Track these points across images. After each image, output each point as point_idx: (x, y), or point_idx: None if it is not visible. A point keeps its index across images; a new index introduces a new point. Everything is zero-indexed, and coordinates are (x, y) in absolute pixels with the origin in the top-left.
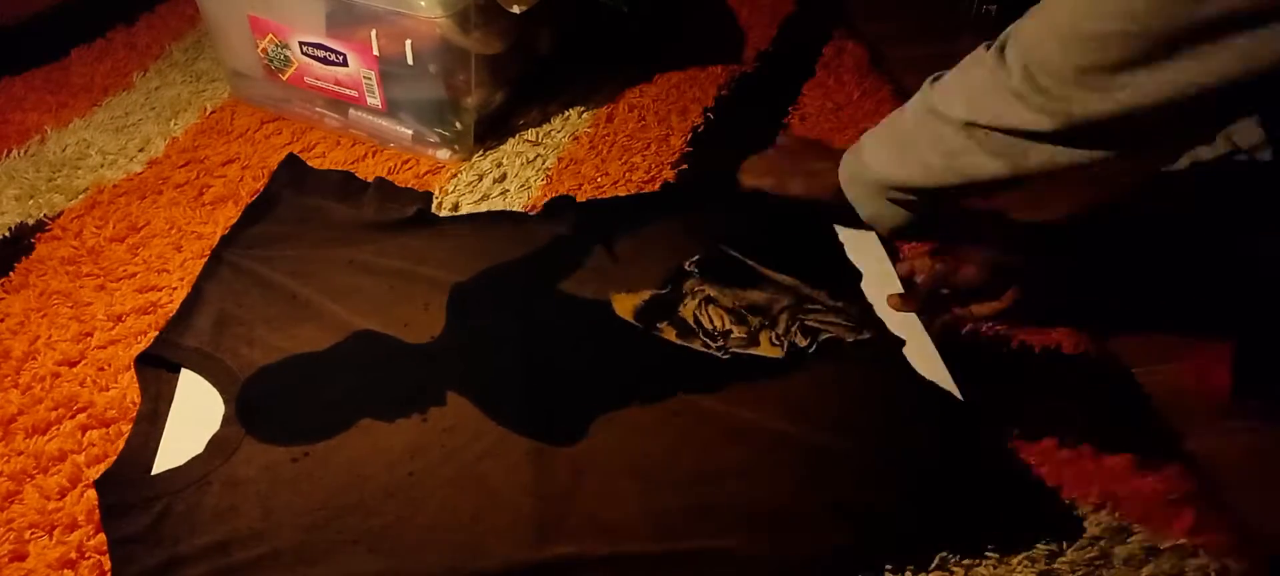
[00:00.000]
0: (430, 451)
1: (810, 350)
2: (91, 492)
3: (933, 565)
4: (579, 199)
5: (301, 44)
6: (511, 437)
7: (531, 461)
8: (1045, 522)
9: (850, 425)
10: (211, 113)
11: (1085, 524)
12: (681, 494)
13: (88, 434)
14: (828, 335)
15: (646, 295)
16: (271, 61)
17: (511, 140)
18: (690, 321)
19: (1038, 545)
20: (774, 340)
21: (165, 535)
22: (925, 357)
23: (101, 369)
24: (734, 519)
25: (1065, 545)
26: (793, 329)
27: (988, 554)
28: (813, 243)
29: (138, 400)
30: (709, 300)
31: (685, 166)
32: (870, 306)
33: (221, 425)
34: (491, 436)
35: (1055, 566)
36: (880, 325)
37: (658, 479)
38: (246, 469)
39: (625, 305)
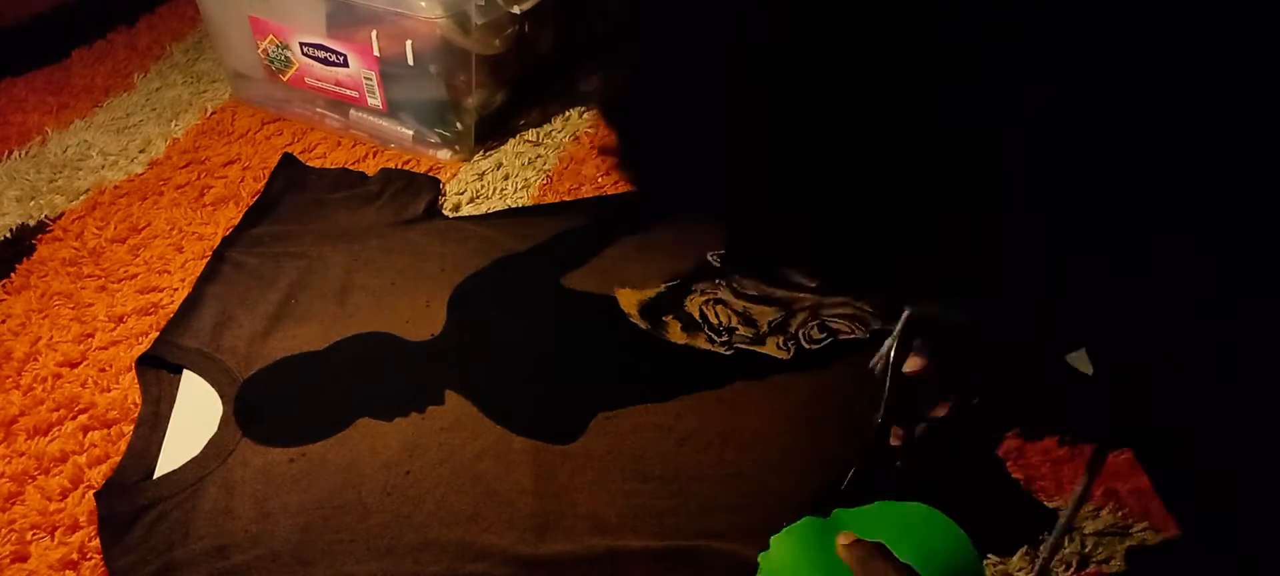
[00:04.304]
0: (428, 450)
1: (819, 350)
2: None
3: None
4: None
5: (302, 45)
6: (510, 436)
7: (530, 460)
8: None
9: (852, 428)
10: (212, 114)
11: (1086, 522)
12: (681, 494)
13: (89, 435)
14: (847, 337)
15: (652, 291)
16: (272, 62)
17: (512, 140)
18: (696, 316)
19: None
20: (781, 344)
21: (159, 542)
22: None
23: (103, 370)
24: (733, 519)
25: (1066, 544)
26: (809, 326)
27: (987, 555)
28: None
29: (139, 401)
30: (718, 301)
31: None
32: None
33: (218, 427)
34: (490, 435)
35: (1053, 565)
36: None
37: (657, 478)
38: (243, 471)
39: (630, 300)
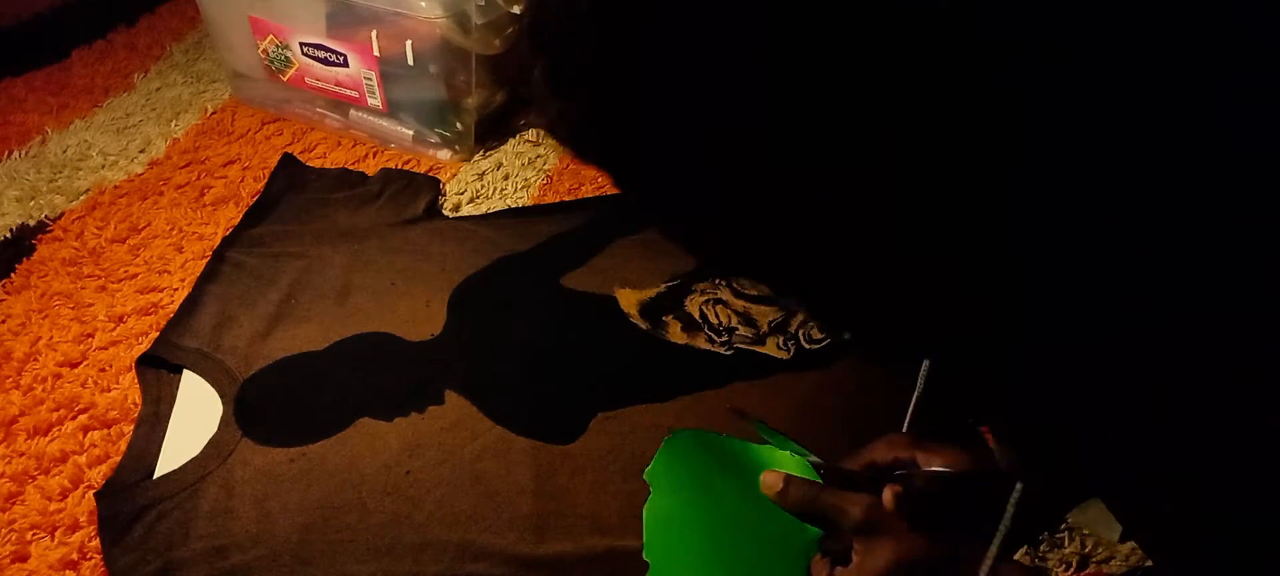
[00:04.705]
0: (428, 450)
1: (818, 350)
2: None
3: None
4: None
5: (302, 45)
6: (510, 436)
7: (530, 460)
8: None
9: (852, 427)
10: (212, 113)
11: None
12: None
13: (89, 435)
14: (847, 336)
15: (652, 291)
16: (272, 62)
17: (512, 140)
18: (696, 316)
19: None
20: (781, 344)
21: (159, 542)
22: None
23: (103, 370)
24: None
25: (1065, 541)
26: (809, 326)
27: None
28: None
29: (139, 401)
30: (718, 301)
31: None
32: None
33: (218, 427)
34: (490, 435)
35: (1050, 564)
36: None
37: None
38: (243, 471)
39: (630, 300)
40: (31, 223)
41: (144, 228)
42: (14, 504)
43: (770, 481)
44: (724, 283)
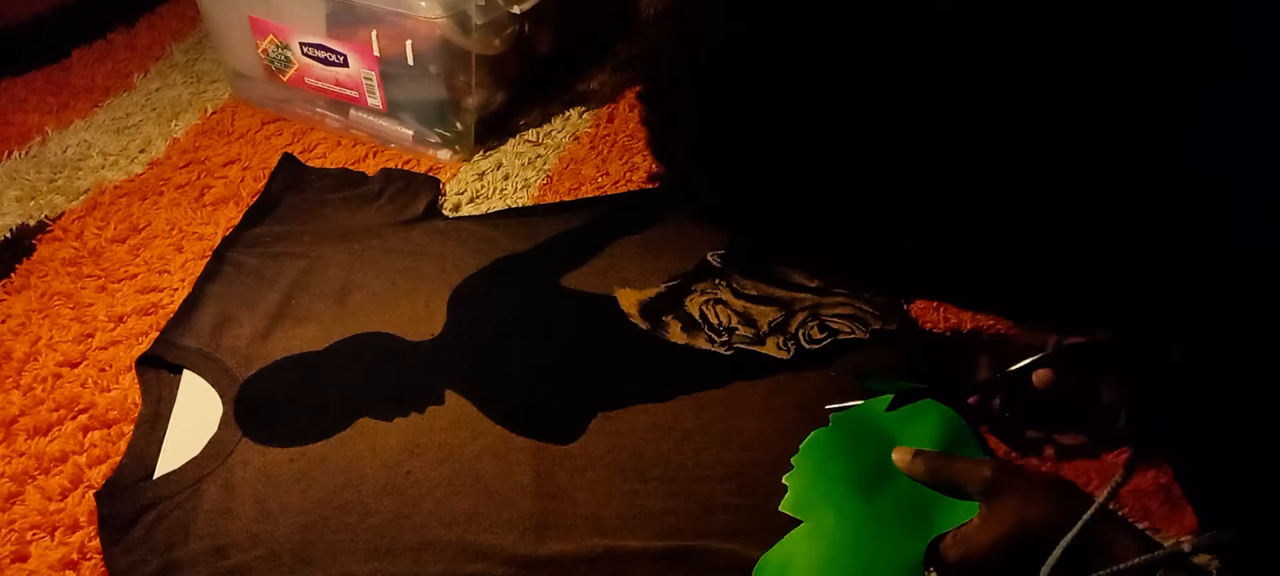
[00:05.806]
0: (428, 450)
1: (818, 350)
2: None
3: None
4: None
5: (302, 45)
6: (510, 436)
7: (530, 460)
8: None
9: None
10: (212, 113)
11: None
12: (680, 494)
13: (89, 435)
14: (846, 336)
15: (652, 291)
16: (272, 62)
17: (512, 140)
18: (696, 316)
19: None
20: (781, 344)
21: (160, 541)
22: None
23: (103, 370)
24: (733, 519)
25: None
26: (809, 326)
27: None
28: None
29: (139, 401)
30: (718, 301)
31: None
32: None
33: (219, 427)
34: (490, 435)
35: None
36: (904, 316)
37: (657, 478)
38: (243, 471)
39: (630, 300)
40: (31, 223)
41: (144, 228)
42: (14, 504)
43: (898, 458)
44: (724, 283)
